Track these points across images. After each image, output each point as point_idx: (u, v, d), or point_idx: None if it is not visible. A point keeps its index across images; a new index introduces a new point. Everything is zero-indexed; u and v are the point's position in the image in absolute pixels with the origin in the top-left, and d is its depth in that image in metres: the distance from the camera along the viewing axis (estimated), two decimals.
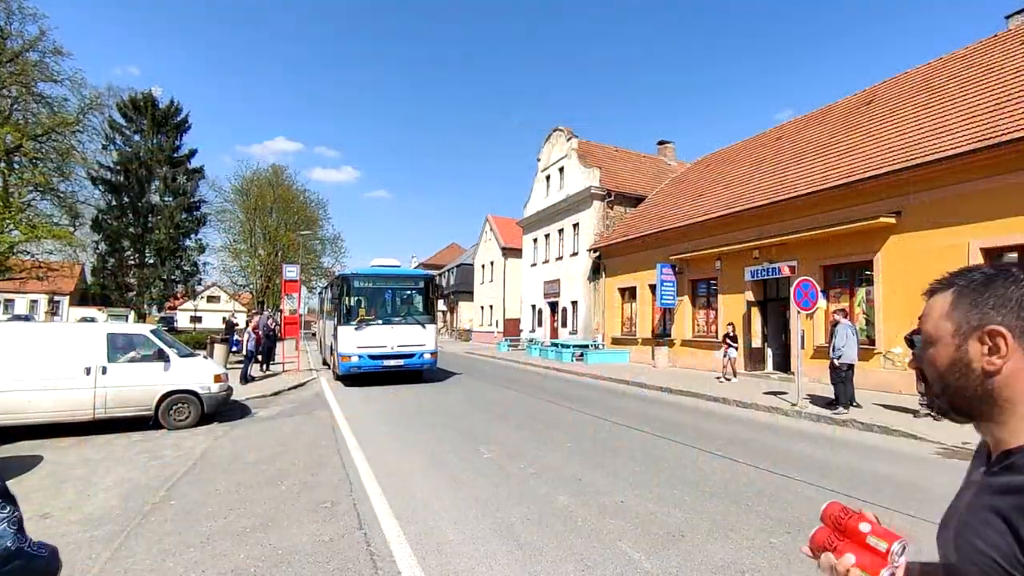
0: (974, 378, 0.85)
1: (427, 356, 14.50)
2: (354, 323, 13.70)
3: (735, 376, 14.51)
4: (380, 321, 14.11)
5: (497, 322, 37.89)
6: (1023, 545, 0.73)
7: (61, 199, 22.21)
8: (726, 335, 14.90)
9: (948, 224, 11.17)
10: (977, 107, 11.78)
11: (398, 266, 16.11)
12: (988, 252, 10.63)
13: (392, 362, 14.03)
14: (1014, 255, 10.37)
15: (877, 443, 7.91)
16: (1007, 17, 14.67)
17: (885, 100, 15.67)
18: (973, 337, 0.85)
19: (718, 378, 14.62)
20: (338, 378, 14.74)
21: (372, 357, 13.75)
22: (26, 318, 33.79)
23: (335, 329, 14.37)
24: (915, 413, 9.29)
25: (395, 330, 14.16)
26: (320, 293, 25.05)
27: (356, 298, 14.14)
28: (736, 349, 14.70)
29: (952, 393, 0.89)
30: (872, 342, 12.42)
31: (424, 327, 14.50)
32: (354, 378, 14.27)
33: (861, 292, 13.22)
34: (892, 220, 12.07)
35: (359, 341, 13.66)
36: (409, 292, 15.24)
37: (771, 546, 4.13)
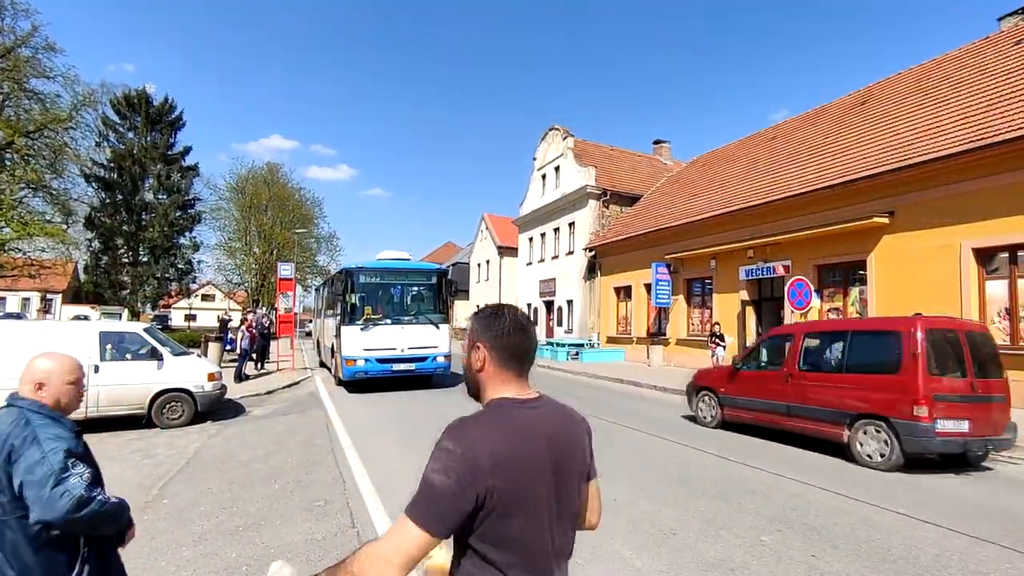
0: (473, 373, 1.37)
1: (440, 359, 13.09)
2: (360, 322, 12.44)
3: None
4: (388, 320, 12.72)
5: None
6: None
7: (54, 196, 22.05)
8: (712, 334, 14.87)
9: (940, 224, 11.24)
10: (970, 108, 11.85)
11: (408, 259, 14.48)
12: (980, 252, 10.70)
13: (402, 366, 12.64)
14: (1005, 255, 10.45)
15: None
16: (1000, 19, 14.76)
17: (879, 100, 15.75)
18: (473, 348, 1.36)
19: None
20: (340, 383, 13.48)
21: (380, 361, 12.41)
22: (18, 316, 33.56)
23: (338, 329, 13.07)
24: None
25: (405, 330, 12.78)
26: (318, 290, 23.74)
27: (362, 294, 12.80)
28: (724, 348, 14.67)
29: (468, 380, 1.40)
30: None
31: (437, 327, 13.12)
32: (359, 384, 12.96)
33: (854, 292, 13.28)
34: (885, 220, 12.14)
35: (365, 343, 12.38)
36: (420, 288, 13.80)
37: (761, 544, 4.16)
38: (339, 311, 13.21)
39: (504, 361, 1.34)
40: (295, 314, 19.69)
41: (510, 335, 1.34)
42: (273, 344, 19.65)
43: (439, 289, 13.69)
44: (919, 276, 11.49)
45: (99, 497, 1.86)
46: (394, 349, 12.58)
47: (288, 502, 5.16)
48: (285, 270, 17.97)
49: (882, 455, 6.53)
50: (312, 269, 44.79)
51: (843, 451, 6.98)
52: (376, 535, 4.36)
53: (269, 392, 12.84)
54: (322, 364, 18.28)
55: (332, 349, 14.51)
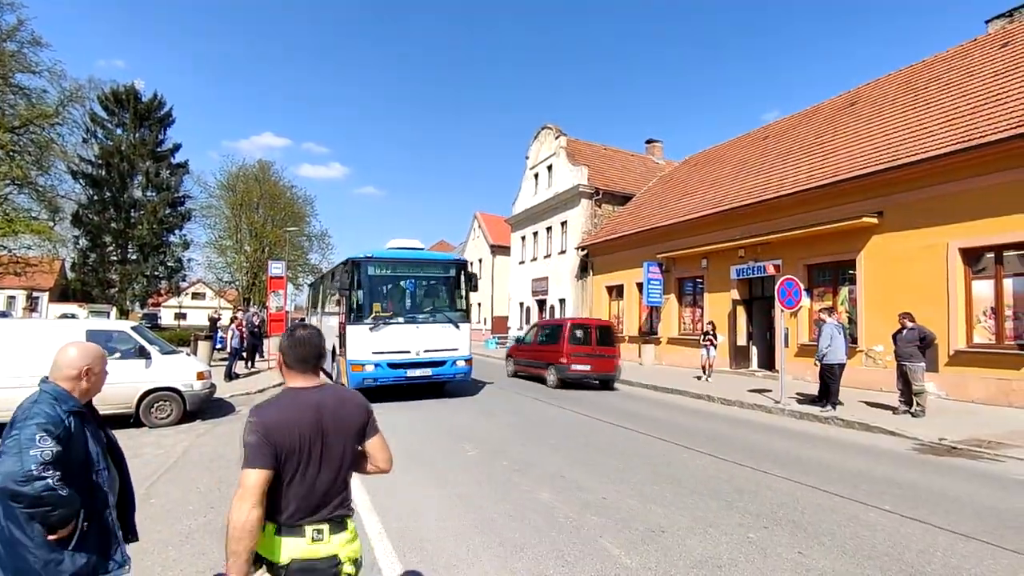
0: (278, 368, 2.07)
1: (461, 363, 11.68)
2: (368, 321, 10.90)
3: (709, 375, 14.25)
4: (401, 319, 11.26)
5: (485, 320, 37.89)
6: None
7: (40, 193, 21.84)
8: (705, 333, 14.78)
9: (928, 224, 11.36)
10: (957, 109, 11.97)
11: (421, 248, 13.02)
12: (966, 252, 10.82)
13: (418, 372, 11.16)
14: (991, 255, 10.57)
15: (857, 440, 8.04)
16: (987, 21, 14.90)
17: (869, 101, 15.87)
18: (279, 354, 2.07)
19: (697, 377, 14.60)
20: None
21: (392, 366, 10.89)
22: (2, 315, 33.18)
23: (341, 328, 11.64)
24: (894, 410, 9.44)
25: (421, 331, 11.29)
26: (312, 286, 21.85)
27: (370, 289, 11.33)
28: (715, 347, 14.61)
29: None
30: (854, 340, 12.57)
31: (457, 327, 11.70)
32: (366, 393, 12.31)
33: (844, 291, 13.40)
34: (874, 220, 12.24)
35: (375, 345, 10.83)
36: (437, 281, 12.35)
37: (749, 540, 4.19)
38: (343, 308, 11.72)
39: (292, 363, 2.01)
40: (286, 313, 19.58)
41: (296, 348, 2.01)
42: (265, 342, 19.54)
43: (458, 283, 12.24)
44: (907, 276, 11.60)
45: (48, 480, 1.83)
46: (408, 352, 11.10)
47: None
48: (276, 268, 17.89)
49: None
50: (304, 268, 44.61)
51: (543, 380, 14.20)
52: (365, 532, 4.36)
53: (260, 391, 12.75)
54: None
55: (334, 351, 12.75)
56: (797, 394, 11.26)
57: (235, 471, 6.41)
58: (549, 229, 28.25)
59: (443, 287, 12.39)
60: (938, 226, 11.18)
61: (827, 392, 9.82)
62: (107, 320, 19.43)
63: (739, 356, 16.35)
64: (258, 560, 1.85)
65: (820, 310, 11.16)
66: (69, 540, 1.96)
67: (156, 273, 31.94)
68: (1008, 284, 10.36)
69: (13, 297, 43.03)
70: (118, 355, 8.68)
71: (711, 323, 15.20)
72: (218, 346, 18.15)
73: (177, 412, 8.82)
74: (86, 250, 29.45)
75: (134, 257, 30.83)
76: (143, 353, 8.75)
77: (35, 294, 42.42)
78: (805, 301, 11.64)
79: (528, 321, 30.16)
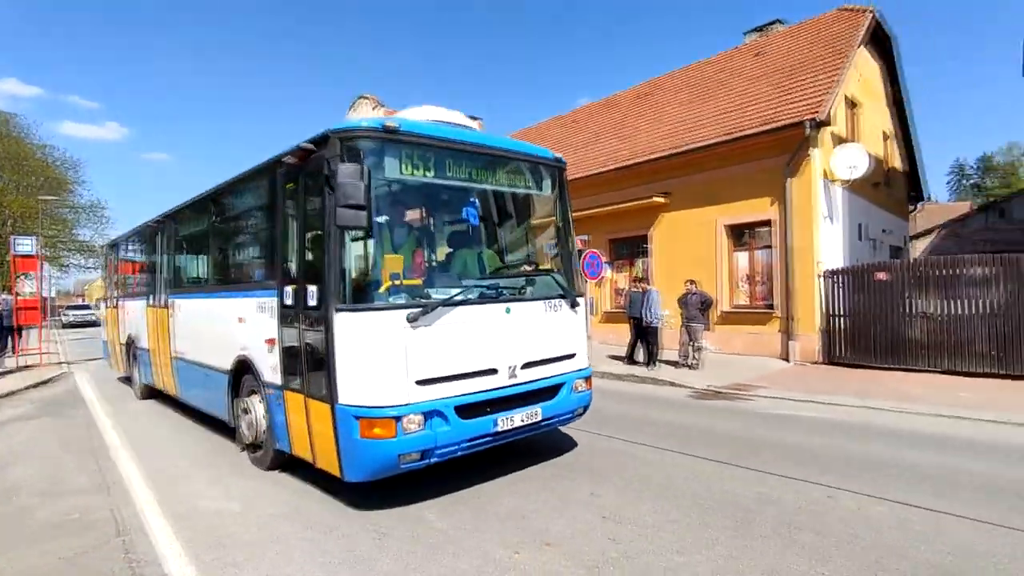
0: None
1: (581, 386, 5.40)
2: (400, 299, 4.14)
3: None
4: (471, 292, 4.57)
5: None
6: None
7: None
8: None
9: (704, 204, 13.32)
10: (725, 106, 14.12)
11: (476, 129, 5.48)
12: (730, 229, 12.95)
13: (517, 418, 4.65)
14: (747, 232, 12.78)
15: (646, 392, 9.24)
16: (745, 33, 17.68)
17: (661, 93, 17.92)
18: None
19: None
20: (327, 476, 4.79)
21: (465, 412, 4.31)
22: None
23: (319, 319, 4.20)
24: (676, 364, 11.04)
25: (514, 319, 4.72)
26: (117, 245, 11.35)
27: (396, 216, 4.98)
28: None
29: None
30: None
31: (573, 305, 5.42)
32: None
33: (640, 263, 15.15)
34: (663, 200, 13.99)
35: (422, 363, 4.11)
36: (529, 202, 5.80)
37: (551, 490, 4.58)
38: (320, 269, 4.20)
39: None
40: (44, 299, 16.12)
41: None
42: (26, 335, 15.91)
43: (558, 204, 5.68)
44: (688, 249, 13.51)
45: None
46: (494, 372, 4.56)
47: (30, 521, 4.27)
48: (23, 245, 14.47)
49: None
50: (71, 245, 37.20)
51: None
52: (149, 541, 3.85)
53: (8, 394, 10.43)
54: (151, 393, 9.21)
55: (238, 374, 5.74)
56: (615, 356, 12.50)
57: None
58: None
59: (535, 212, 5.90)
60: (711, 206, 13.17)
61: (648, 352, 11.13)
62: None
63: None
64: None
65: (640, 280, 12.46)
66: None
67: None
68: (758, 255, 12.67)
69: None
70: None
71: None
72: None
73: None
74: None
75: None
76: None
77: None
78: (607, 272, 12.88)
79: None
